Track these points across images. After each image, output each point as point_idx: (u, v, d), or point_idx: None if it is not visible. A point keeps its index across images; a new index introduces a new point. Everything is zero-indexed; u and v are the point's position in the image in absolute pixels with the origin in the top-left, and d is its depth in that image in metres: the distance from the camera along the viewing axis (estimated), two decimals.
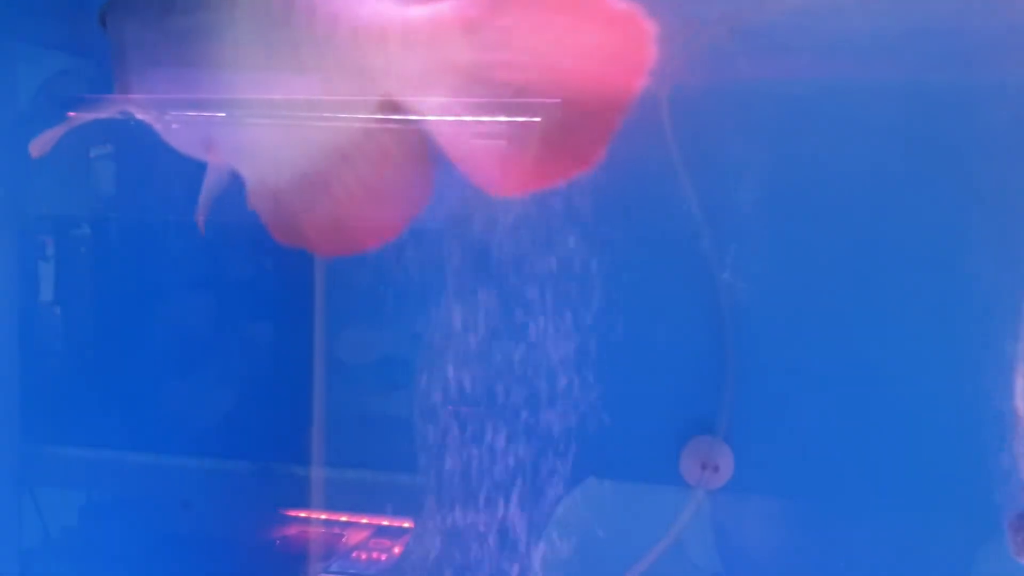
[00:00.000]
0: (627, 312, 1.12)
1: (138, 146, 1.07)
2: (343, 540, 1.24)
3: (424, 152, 0.82)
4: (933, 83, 1.04)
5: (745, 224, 1.09)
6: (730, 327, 1.10)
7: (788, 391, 1.10)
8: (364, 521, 1.24)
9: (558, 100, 0.77)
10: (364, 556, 1.23)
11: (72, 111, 1.04)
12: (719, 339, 1.10)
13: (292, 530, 1.25)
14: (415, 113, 0.80)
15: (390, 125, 0.81)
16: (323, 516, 1.24)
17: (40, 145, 0.95)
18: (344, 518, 1.24)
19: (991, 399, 1.03)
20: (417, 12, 0.78)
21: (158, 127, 0.95)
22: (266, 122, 0.87)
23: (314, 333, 1.21)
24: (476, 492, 1.15)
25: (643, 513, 1.15)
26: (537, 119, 0.77)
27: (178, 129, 0.93)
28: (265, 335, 1.25)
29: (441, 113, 0.79)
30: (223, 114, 0.90)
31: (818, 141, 1.08)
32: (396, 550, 1.22)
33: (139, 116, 0.96)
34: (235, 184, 1.20)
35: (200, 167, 1.09)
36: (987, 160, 1.05)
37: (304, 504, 1.23)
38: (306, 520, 1.24)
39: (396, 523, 1.22)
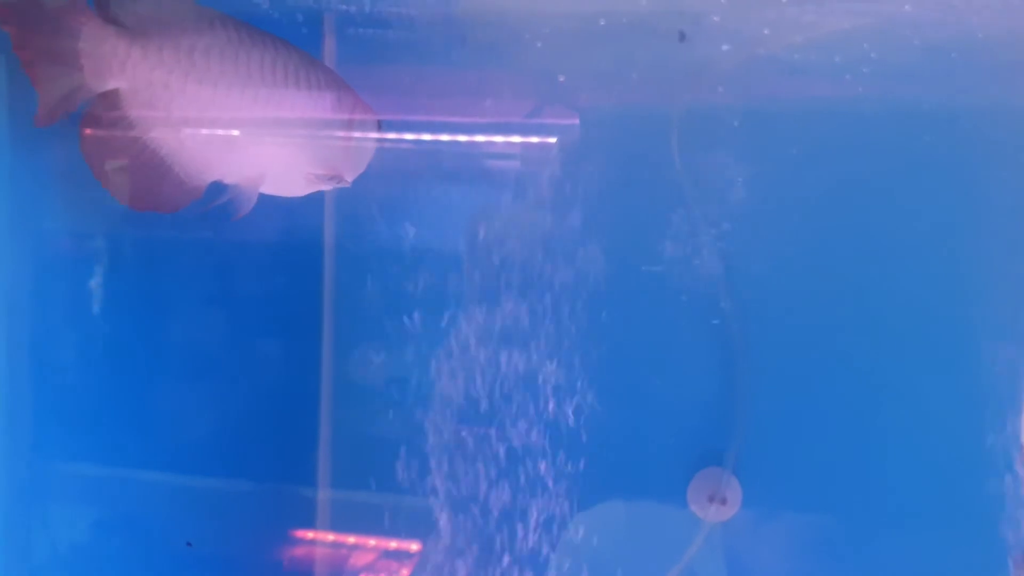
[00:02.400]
0: (636, 343, 1.11)
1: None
2: (350, 562, 1.23)
3: None
4: (938, 103, 1.03)
5: (754, 251, 1.08)
6: (739, 359, 1.09)
7: (796, 424, 1.09)
8: (372, 543, 1.23)
9: None
10: None
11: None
12: (728, 371, 1.09)
13: (299, 551, 1.24)
14: None
15: None
16: (330, 537, 1.24)
17: None
18: (351, 540, 1.24)
19: (1001, 430, 1.02)
20: None
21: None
22: None
23: (322, 353, 1.21)
24: (484, 519, 1.15)
25: (651, 545, 1.14)
26: None
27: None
28: (273, 355, 1.24)
29: None
30: None
31: (831, 164, 1.07)
32: (403, 573, 1.21)
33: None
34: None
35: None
36: (996, 179, 1.05)
37: (311, 525, 1.23)
38: (313, 541, 1.24)
39: (403, 546, 1.21)
